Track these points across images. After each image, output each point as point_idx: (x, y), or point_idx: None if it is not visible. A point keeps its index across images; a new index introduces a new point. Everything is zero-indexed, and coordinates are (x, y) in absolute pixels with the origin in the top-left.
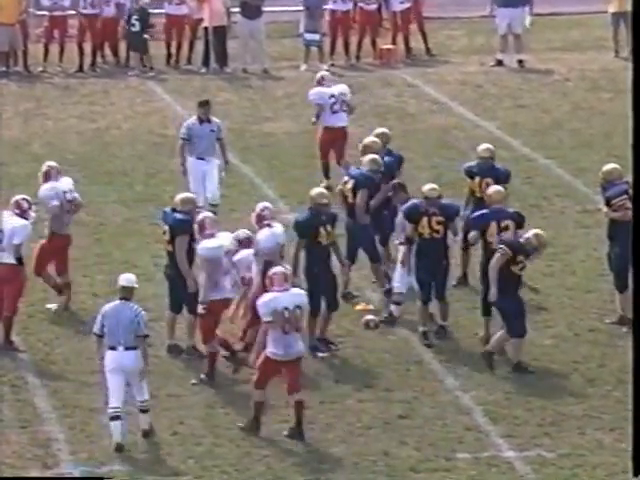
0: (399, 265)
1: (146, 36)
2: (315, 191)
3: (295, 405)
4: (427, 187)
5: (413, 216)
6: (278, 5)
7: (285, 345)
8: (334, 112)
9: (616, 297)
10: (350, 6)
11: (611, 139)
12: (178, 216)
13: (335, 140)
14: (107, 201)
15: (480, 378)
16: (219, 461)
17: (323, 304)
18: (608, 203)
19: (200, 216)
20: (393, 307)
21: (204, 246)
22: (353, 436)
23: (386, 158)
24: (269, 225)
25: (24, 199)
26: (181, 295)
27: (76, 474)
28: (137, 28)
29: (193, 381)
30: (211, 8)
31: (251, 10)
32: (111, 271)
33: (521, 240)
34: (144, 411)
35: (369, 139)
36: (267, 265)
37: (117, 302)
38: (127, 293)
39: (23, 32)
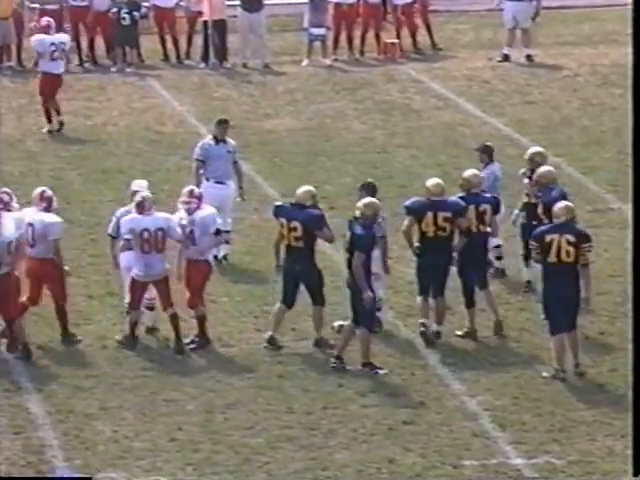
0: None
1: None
2: (369, 200)
3: (170, 319)
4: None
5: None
6: None
7: (145, 264)
8: (53, 59)
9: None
10: None
11: (622, 136)
12: (314, 212)
13: (52, 85)
14: (103, 200)
15: (487, 383)
16: (218, 468)
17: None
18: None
19: None
20: (378, 314)
21: None
22: (356, 442)
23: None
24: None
25: (4, 192)
26: (306, 290)
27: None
28: (127, 22)
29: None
30: (210, 1)
31: (252, 3)
32: (107, 272)
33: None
34: (151, 308)
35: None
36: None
37: (131, 206)
38: None
39: (18, 26)
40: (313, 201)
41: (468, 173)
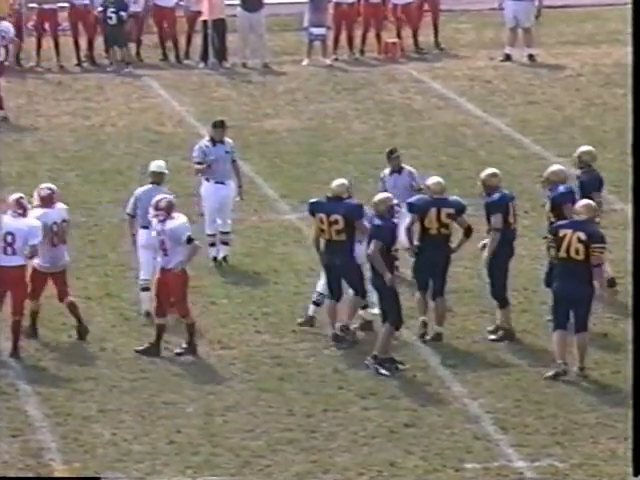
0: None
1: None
2: (382, 196)
3: (68, 306)
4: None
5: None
6: None
7: (52, 257)
8: None
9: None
10: None
11: (625, 137)
12: (352, 202)
13: None
14: (101, 201)
15: (489, 385)
16: (218, 471)
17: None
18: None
19: None
20: (312, 307)
21: None
22: (357, 445)
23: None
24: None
25: (23, 198)
26: (345, 282)
27: None
28: (114, 21)
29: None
30: (210, 1)
31: (251, 2)
32: (105, 274)
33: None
34: None
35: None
36: None
37: (149, 186)
38: (157, 178)
39: (17, 25)
40: (349, 193)
41: (491, 171)
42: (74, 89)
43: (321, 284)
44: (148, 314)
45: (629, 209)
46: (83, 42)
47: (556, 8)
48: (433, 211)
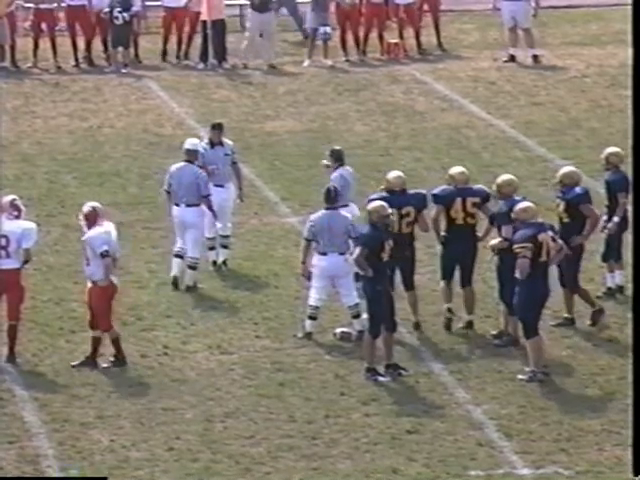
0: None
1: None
2: (376, 204)
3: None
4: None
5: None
6: None
7: None
8: None
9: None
10: None
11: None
12: (421, 192)
13: None
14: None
15: (493, 391)
16: (218, 478)
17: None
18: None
19: None
20: (308, 322)
21: None
22: (359, 452)
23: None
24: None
25: (17, 199)
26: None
27: None
28: (120, 21)
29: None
30: (209, 1)
31: (261, 3)
32: None
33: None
34: (192, 268)
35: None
36: None
37: (182, 164)
38: (190, 156)
39: (11, 26)
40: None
41: (507, 178)
42: (72, 90)
43: (313, 297)
44: (175, 282)
45: (629, 209)
46: (81, 42)
47: (560, 8)
48: (459, 201)
